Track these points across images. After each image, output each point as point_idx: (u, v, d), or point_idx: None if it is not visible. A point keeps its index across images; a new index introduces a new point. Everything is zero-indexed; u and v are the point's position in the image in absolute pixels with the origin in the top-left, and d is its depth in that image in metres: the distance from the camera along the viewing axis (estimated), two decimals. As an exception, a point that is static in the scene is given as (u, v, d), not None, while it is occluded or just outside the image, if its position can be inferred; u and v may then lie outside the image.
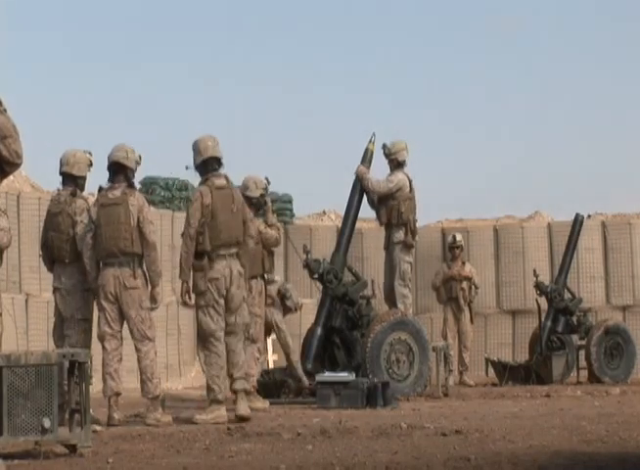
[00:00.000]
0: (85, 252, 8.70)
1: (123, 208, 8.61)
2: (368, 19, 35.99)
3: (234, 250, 8.71)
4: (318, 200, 37.27)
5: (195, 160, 8.81)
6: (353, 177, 12.72)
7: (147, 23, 36.04)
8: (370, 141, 12.73)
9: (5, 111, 5.44)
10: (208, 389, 8.67)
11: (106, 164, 8.84)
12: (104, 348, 8.65)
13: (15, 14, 33.11)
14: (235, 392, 8.71)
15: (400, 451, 6.09)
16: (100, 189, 8.84)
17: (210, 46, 36.33)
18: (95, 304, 8.86)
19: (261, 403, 9.92)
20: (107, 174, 8.86)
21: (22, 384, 5.94)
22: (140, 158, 8.83)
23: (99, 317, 8.69)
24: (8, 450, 6.05)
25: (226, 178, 8.85)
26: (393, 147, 12.71)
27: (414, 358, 11.56)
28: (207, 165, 8.80)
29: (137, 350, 8.65)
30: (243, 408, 8.53)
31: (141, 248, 8.59)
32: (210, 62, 35.96)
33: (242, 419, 8.43)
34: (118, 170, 8.73)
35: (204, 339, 8.68)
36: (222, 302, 8.65)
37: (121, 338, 8.74)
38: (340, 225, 13.96)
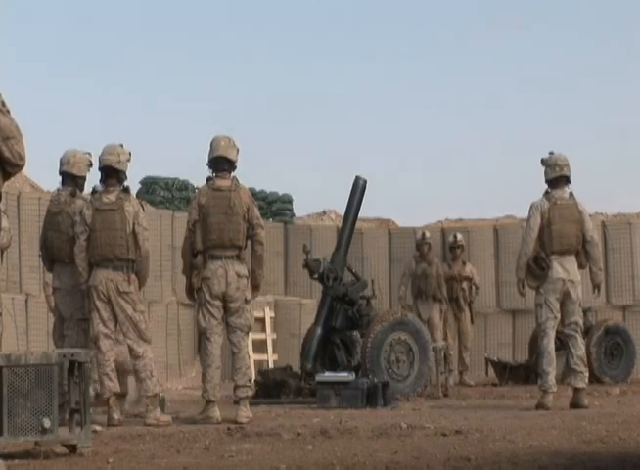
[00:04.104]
0: (78, 254, 8.63)
1: (119, 214, 8.59)
2: (368, 18, 36.00)
3: (231, 252, 8.72)
4: (318, 200, 37.32)
5: (208, 156, 8.90)
6: (353, 178, 12.70)
7: (147, 22, 36.05)
8: None
9: (8, 111, 5.42)
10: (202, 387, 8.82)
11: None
12: (98, 348, 8.57)
13: (15, 13, 33.12)
14: (237, 399, 8.74)
15: (400, 451, 6.09)
16: (93, 191, 8.78)
17: (211, 45, 36.35)
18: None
19: None
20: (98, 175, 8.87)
21: (22, 384, 5.94)
22: (130, 154, 8.80)
23: (92, 318, 8.63)
24: (8, 450, 6.06)
25: (234, 180, 8.85)
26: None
27: (414, 358, 11.56)
28: (217, 164, 8.85)
29: (132, 350, 8.59)
30: (242, 415, 8.53)
31: (134, 254, 8.61)
32: (210, 61, 35.97)
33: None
34: (111, 174, 8.68)
35: (199, 337, 8.80)
36: (218, 303, 8.69)
37: (116, 338, 8.72)
38: (340, 225, 13.96)
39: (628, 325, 15.76)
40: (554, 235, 9.72)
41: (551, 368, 9.65)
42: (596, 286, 10.04)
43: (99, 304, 8.57)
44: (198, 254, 8.79)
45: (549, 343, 9.71)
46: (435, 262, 14.98)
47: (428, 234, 15.19)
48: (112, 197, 8.64)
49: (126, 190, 8.74)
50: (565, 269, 9.75)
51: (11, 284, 13.64)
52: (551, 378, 9.62)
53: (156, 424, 8.30)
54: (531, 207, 9.89)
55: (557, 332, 14.89)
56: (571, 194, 9.92)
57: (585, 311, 15.36)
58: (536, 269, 9.70)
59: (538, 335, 9.93)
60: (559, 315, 9.78)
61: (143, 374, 8.55)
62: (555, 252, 9.73)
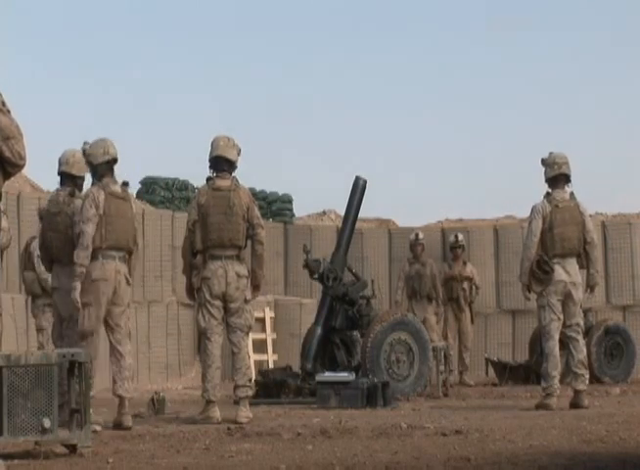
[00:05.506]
0: (84, 242, 8.26)
1: (129, 204, 8.62)
2: (368, 18, 36.00)
3: (231, 252, 8.72)
4: (318, 200, 37.30)
5: (208, 156, 8.89)
6: (353, 177, 12.70)
7: (147, 21, 36.05)
8: None
9: (9, 111, 5.42)
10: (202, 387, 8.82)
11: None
12: (88, 345, 8.21)
13: (15, 13, 33.12)
14: (237, 399, 8.73)
15: (400, 451, 6.08)
16: (94, 183, 8.56)
17: (211, 45, 36.34)
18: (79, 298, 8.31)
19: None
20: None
21: (22, 384, 5.94)
22: None
23: (87, 312, 8.30)
24: (8, 450, 6.06)
25: (234, 180, 8.84)
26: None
27: (414, 358, 11.56)
28: (216, 164, 8.85)
29: (120, 345, 8.42)
30: (242, 415, 8.52)
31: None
32: (210, 61, 35.97)
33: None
34: (113, 167, 8.61)
35: (199, 337, 8.83)
36: (218, 303, 8.68)
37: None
38: (340, 225, 13.96)
39: (628, 325, 15.76)
40: (556, 239, 9.70)
41: (556, 372, 9.63)
42: (591, 287, 10.00)
43: (103, 299, 8.37)
44: (198, 253, 8.79)
45: (554, 346, 9.68)
46: (430, 263, 14.98)
47: (421, 235, 15.19)
48: (117, 188, 8.60)
49: (126, 184, 8.70)
50: (566, 271, 9.74)
51: (11, 284, 13.63)
52: (556, 382, 9.60)
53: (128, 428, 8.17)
54: (532, 210, 9.86)
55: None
56: (571, 194, 9.89)
57: (585, 312, 15.38)
58: (540, 274, 9.68)
59: (542, 337, 9.88)
60: (562, 317, 9.76)
61: (127, 373, 8.41)
62: (557, 255, 9.71)
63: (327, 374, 10.91)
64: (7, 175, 5.46)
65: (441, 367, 12.16)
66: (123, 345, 8.48)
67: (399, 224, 20.00)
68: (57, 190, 9.12)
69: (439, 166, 34.47)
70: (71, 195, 8.89)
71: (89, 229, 8.28)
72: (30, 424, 5.92)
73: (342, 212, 13.28)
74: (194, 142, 31.03)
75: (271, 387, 11.47)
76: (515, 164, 33.98)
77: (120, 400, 8.33)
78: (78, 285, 8.27)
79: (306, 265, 12.14)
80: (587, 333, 14.68)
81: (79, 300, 8.28)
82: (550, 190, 9.87)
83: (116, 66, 34.63)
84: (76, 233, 8.47)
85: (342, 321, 11.99)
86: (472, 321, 15.51)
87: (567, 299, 9.76)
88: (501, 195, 33.57)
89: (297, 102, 35.39)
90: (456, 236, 15.73)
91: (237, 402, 8.77)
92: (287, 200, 19.77)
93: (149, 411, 9.66)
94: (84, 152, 8.61)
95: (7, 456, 5.83)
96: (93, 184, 8.59)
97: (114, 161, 8.60)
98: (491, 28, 35.47)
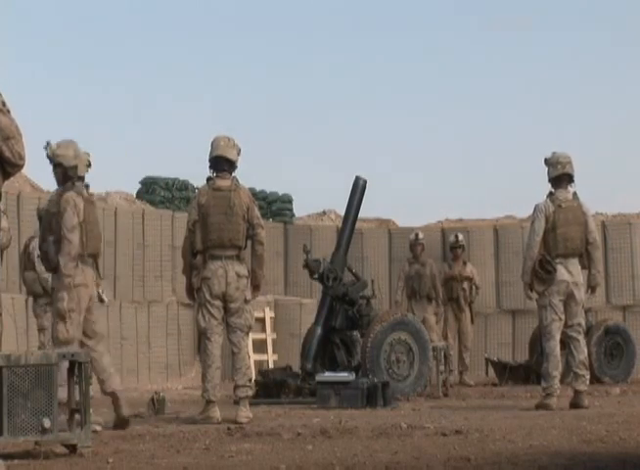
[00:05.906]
0: (72, 252, 8.07)
1: (95, 207, 8.53)
2: (368, 18, 36.00)
3: (231, 252, 8.72)
4: (318, 200, 37.31)
5: (208, 156, 8.89)
6: (353, 178, 12.70)
7: (147, 21, 36.04)
8: None
9: (8, 111, 5.43)
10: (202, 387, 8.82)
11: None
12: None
13: (15, 13, 33.12)
14: (237, 399, 8.73)
15: (400, 451, 6.08)
16: (71, 185, 8.32)
17: (211, 45, 36.33)
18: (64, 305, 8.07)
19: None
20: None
21: (22, 384, 5.94)
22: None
23: (70, 320, 8.05)
24: (8, 450, 6.06)
25: (234, 180, 8.84)
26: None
27: (414, 358, 11.57)
28: (216, 164, 8.85)
29: (98, 345, 8.27)
30: (242, 415, 8.51)
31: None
32: (210, 61, 35.96)
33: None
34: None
35: (199, 337, 8.87)
36: (218, 303, 8.69)
37: None
38: (340, 225, 13.96)
39: (628, 325, 15.77)
40: (559, 239, 9.69)
41: (556, 372, 9.62)
42: (592, 287, 9.99)
43: (83, 305, 8.16)
44: (198, 254, 8.80)
45: (555, 346, 9.67)
46: (429, 263, 14.98)
47: (421, 235, 15.19)
48: (85, 192, 8.37)
49: (87, 186, 8.57)
50: (569, 271, 9.73)
51: (11, 284, 13.64)
52: (556, 382, 9.59)
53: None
54: (535, 209, 9.85)
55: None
56: (574, 194, 9.89)
57: (585, 312, 15.38)
58: (542, 273, 9.66)
59: (543, 337, 9.87)
60: (563, 317, 9.74)
61: (112, 369, 8.31)
62: (560, 255, 9.70)
63: (327, 374, 10.91)
64: (7, 175, 5.47)
65: (441, 367, 12.17)
66: (101, 345, 8.38)
67: (399, 224, 20.00)
68: (57, 190, 9.09)
69: (439, 166, 34.47)
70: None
71: (76, 238, 8.11)
72: (30, 424, 5.92)
73: (342, 212, 13.29)
74: (194, 142, 31.02)
75: (271, 387, 11.47)
76: (515, 164, 33.97)
77: (114, 396, 8.27)
78: (66, 295, 8.08)
79: (306, 265, 12.15)
80: (587, 333, 14.69)
81: (67, 309, 8.09)
82: (553, 190, 9.86)
83: (116, 66, 34.63)
84: (60, 238, 8.19)
85: (342, 321, 11.99)
86: (472, 321, 15.52)
87: (569, 299, 9.75)
88: (501, 195, 33.59)
89: (296, 102, 35.39)
90: (456, 236, 15.74)
91: (237, 402, 8.77)
92: (287, 200, 19.78)
93: (149, 411, 9.66)
94: (53, 152, 8.43)
95: (7, 456, 5.83)
96: (67, 189, 8.29)
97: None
98: (491, 29, 35.46)
